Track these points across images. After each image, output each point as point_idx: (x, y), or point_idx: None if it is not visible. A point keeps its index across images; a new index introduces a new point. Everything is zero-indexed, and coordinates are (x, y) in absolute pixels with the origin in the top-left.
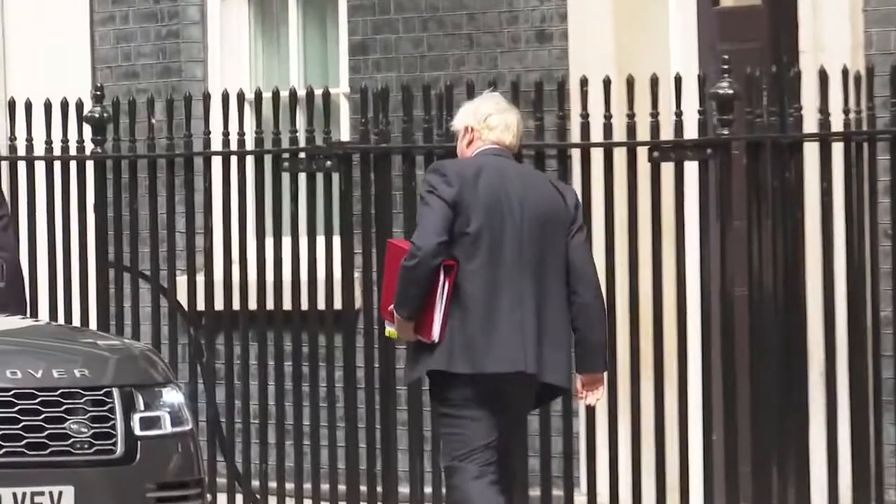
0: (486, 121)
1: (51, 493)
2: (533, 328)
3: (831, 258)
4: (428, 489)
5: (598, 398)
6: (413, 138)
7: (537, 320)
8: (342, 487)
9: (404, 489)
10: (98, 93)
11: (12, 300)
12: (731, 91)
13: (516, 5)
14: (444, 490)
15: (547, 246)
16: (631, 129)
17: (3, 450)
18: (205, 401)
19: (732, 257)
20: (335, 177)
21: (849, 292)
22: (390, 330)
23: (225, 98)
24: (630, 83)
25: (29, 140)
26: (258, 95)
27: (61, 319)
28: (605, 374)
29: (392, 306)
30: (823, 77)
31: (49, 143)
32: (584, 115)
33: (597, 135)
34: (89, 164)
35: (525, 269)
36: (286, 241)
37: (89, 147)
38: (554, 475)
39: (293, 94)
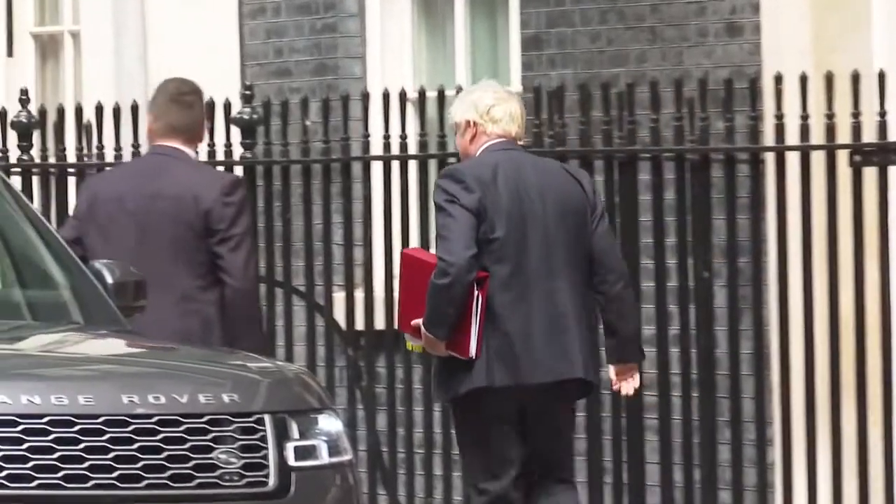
0: (489, 113)
1: None
2: (574, 330)
3: None
4: None
5: (636, 386)
6: (591, 141)
7: (575, 320)
8: None
9: None
10: (247, 92)
11: (241, 332)
12: None
13: None
14: None
15: (571, 238)
16: (830, 131)
17: (146, 482)
18: (364, 428)
19: None
20: None
21: None
22: (414, 344)
23: (386, 97)
24: (829, 80)
25: None
26: (422, 95)
27: None
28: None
29: (416, 322)
30: None
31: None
32: (779, 116)
33: (793, 137)
34: (238, 170)
35: (554, 267)
36: None
37: (238, 151)
38: None
39: (460, 92)
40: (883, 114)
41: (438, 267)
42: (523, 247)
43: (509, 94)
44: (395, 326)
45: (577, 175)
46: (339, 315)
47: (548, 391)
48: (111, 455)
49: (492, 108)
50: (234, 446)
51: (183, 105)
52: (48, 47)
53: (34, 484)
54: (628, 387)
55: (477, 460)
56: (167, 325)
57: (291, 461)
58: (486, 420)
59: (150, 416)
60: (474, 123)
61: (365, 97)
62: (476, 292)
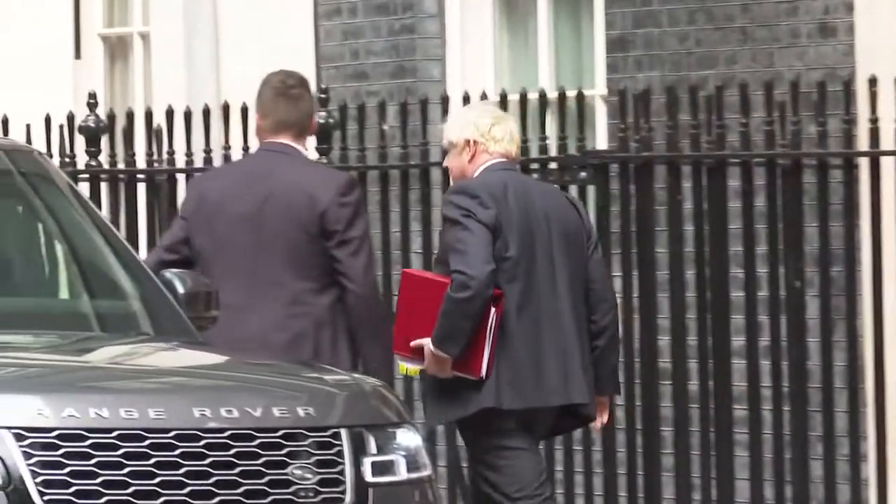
0: (491, 132)
1: None
2: (576, 355)
3: None
4: None
5: (605, 421)
6: (679, 146)
7: (576, 345)
8: None
9: None
10: (323, 95)
11: (366, 338)
12: None
13: None
14: None
15: (572, 262)
16: None
17: (218, 498)
18: (444, 443)
19: None
20: (590, 190)
21: None
22: (411, 367)
23: (466, 101)
24: None
25: (245, 148)
26: (503, 98)
27: None
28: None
29: (418, 342)
30: None
31: None
32: (874, 119)
33: (888, 141)
34: None
35: (559, 291)
36: None
37: (313, 156)
38: None
39: (543, 96)
40: None
41: (457, 280)
42: (532, 267)
43: (506, 115)
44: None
45: (575, 202)
46: None
47: (548, 414)
48: (182, 470)
49: (493, 126)
50: (310, 461)
51: (290, 98)
52: (117, 49)
53: (103, 500)
54: (601, 419)
55: (501, 476)
56: (279, 327)
57: (369, 477)
58: (494, 438)
59: (222, 431)
60: (475, 143)
61: (444, 100)
62: (492, 309)
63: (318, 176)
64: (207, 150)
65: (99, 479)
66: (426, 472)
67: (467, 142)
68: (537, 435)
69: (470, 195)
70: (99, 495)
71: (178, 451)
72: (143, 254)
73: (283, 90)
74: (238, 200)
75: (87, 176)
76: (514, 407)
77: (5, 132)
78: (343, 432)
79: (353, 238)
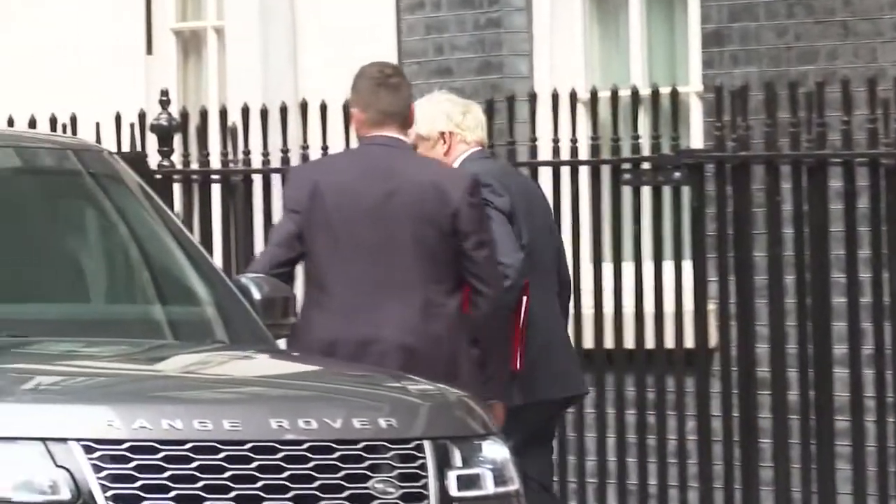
0: (465, 121)
1: None
2: (571, 344)
3: None
4: None
5: None
6: (777, 145)
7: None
8: None
9: None
10: None
11: (492, 343)
12: None
13: None
14: None
15: (555, 251)
16: None
17: None
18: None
19: None
20: (685, 191)
21: None
22: None
23: (555, 98)
24: None
25: (324, 147)
26: (594, 95)
27: None
28: None
29: None
30: None
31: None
32: None
33: None
34: None
35: (555, 279)
36: (627, 268)
37: None
38: None
39: (635, 93)
40: None
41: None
42: (540, 255)
43: (471, 102)
44: None
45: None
46: None
47: (559, 406)
48: (259, 484)
49: (465, 115)
50: (392, 475)
51: (390, 88)
52: (190, 44)
53: None
54: None
55: None
56: (412, 330)
57: (454, 491)
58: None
59: (300, 443)
60: (450, 134)
61: (532, 98)
62: (524, 299)
63: (443, 173)
64: (285, 150)
65: (171, 494)
66: (514, 486)
67: (441, 134)
68: (542, 428)
69: (482, 183)
70: None
71: (254, 464)
72: (217, 258)
73: (381, 80)
74: (360, 196)
75: (159, 176)
76: (526, 400)
77: (74, 131)
78: (427, 444)
79: (488, 240)
